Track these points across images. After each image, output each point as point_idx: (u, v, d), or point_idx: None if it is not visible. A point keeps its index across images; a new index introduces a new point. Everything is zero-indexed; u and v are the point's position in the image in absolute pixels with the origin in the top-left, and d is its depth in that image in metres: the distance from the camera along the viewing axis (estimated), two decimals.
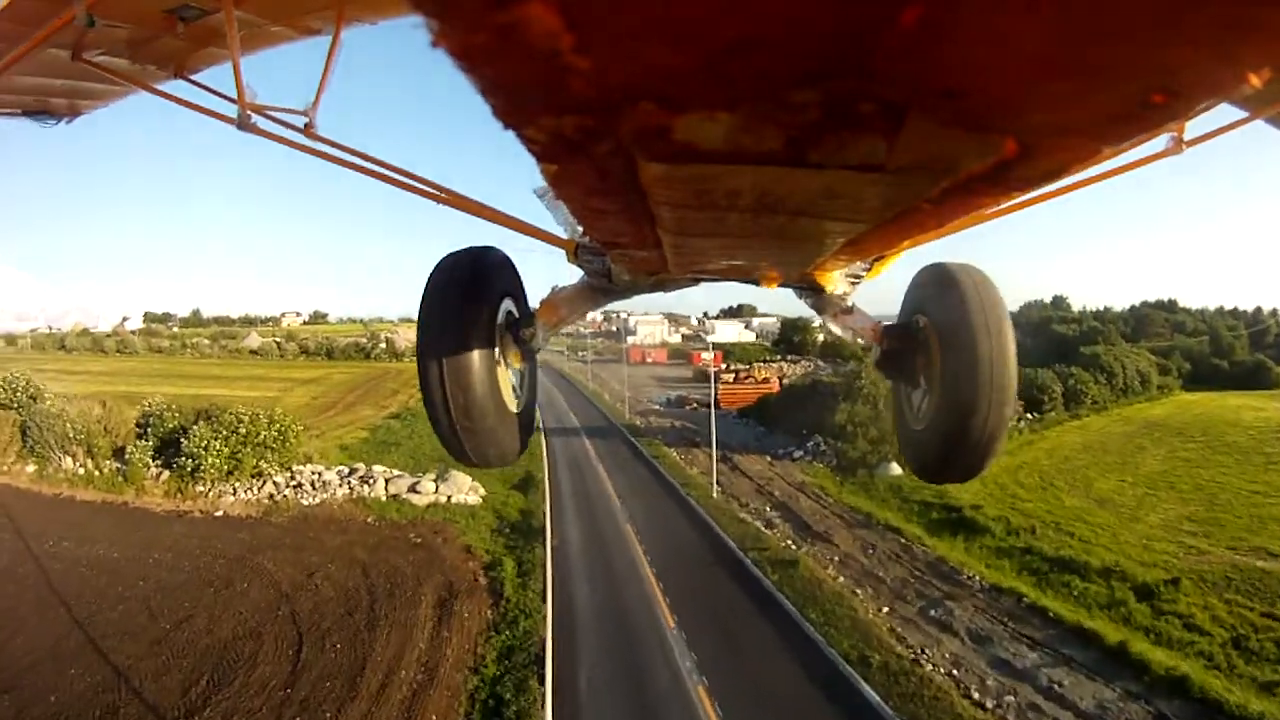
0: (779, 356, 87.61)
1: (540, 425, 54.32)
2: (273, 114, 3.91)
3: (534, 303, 3.31)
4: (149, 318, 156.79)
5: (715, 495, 37.86)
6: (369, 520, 34.74)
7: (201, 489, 37.24)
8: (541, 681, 19.39)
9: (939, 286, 3.08)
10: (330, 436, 48.32)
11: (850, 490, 38.82)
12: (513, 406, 3.12)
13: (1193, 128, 3.80)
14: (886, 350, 3.30)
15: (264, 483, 37.96)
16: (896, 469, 39.65)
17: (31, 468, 40.37)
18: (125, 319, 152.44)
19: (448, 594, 25.82)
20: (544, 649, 21.17)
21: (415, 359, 2.92)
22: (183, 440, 37.88)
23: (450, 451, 3.06)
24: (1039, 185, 0.98)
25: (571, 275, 3.27)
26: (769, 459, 45.84)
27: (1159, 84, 0.60)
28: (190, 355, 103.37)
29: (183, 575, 27.89)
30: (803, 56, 0.61)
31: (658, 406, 69.57)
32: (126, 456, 39.14)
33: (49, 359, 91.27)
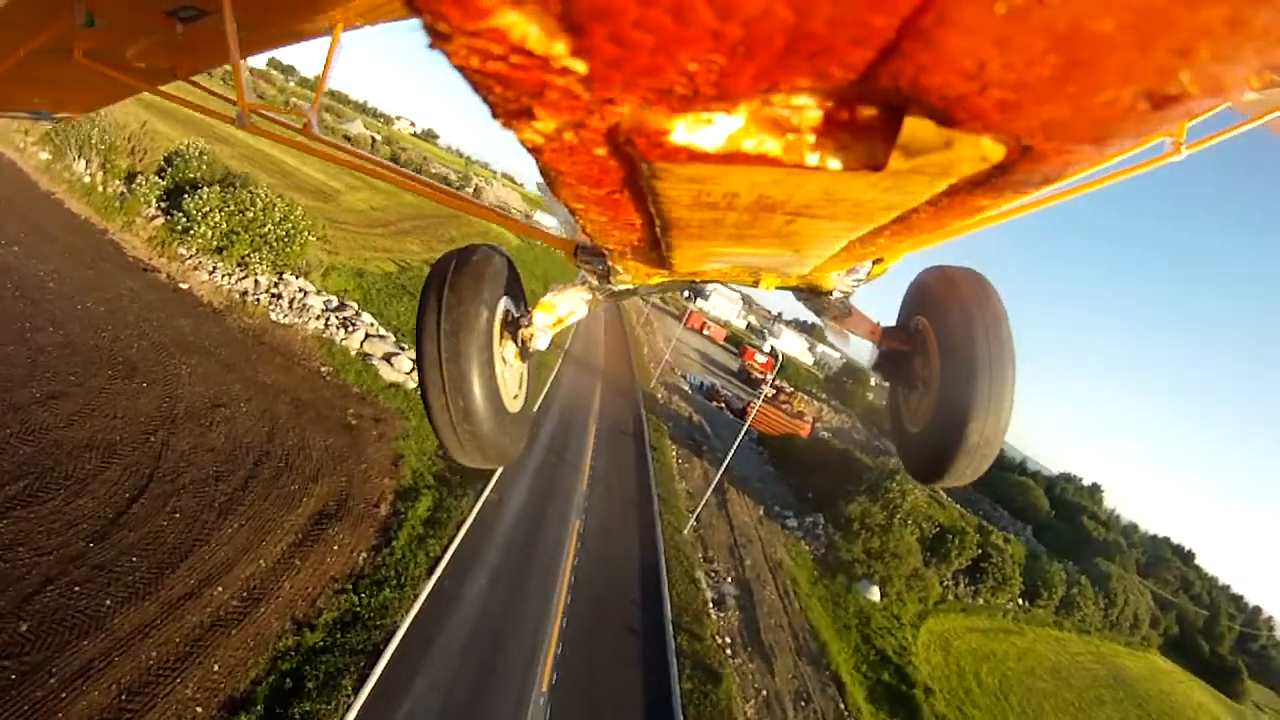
0: (824, 395, 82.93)
1: (566, 347, 52.81)
2: (273, 114, 3.92)
3: (533, 302, 3.31)
4: (271, 63, 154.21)
5: (686, 533, 33.47)
6: (322, 370, 30.05)
7: (184, 252, 32.67)
8: (355, 690, 15.13)
9: (938, 289, 3.08)
10: (356, 255, 44.25)
11: (820, 596, 35.25)
12: (512, 407, 3.12)
13: (1192, 131, 3.80)
14: (884, 352, 3.31)
15: (246, 275, 33.32)
16: (876, 594, 37.74)
17: (45, 155, 37.00)
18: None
19: (335, 508, 21.02)
20: (385, 645, 16.55)
21: (415, 362, 2.91)
22: (186, 196, 33.74)
23: (449, 452, 3.06)
24: (1039, 188, 0.98)
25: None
26: (761, 512, 41.81)
27: (1159, 85, 0.60)
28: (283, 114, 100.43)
29: (96, 341, 23.07)
30: (802, 56, 0.61)
31: (686, 387, 65.29)
32: (134, 186, 35.23)
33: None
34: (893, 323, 3.39)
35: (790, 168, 0.87)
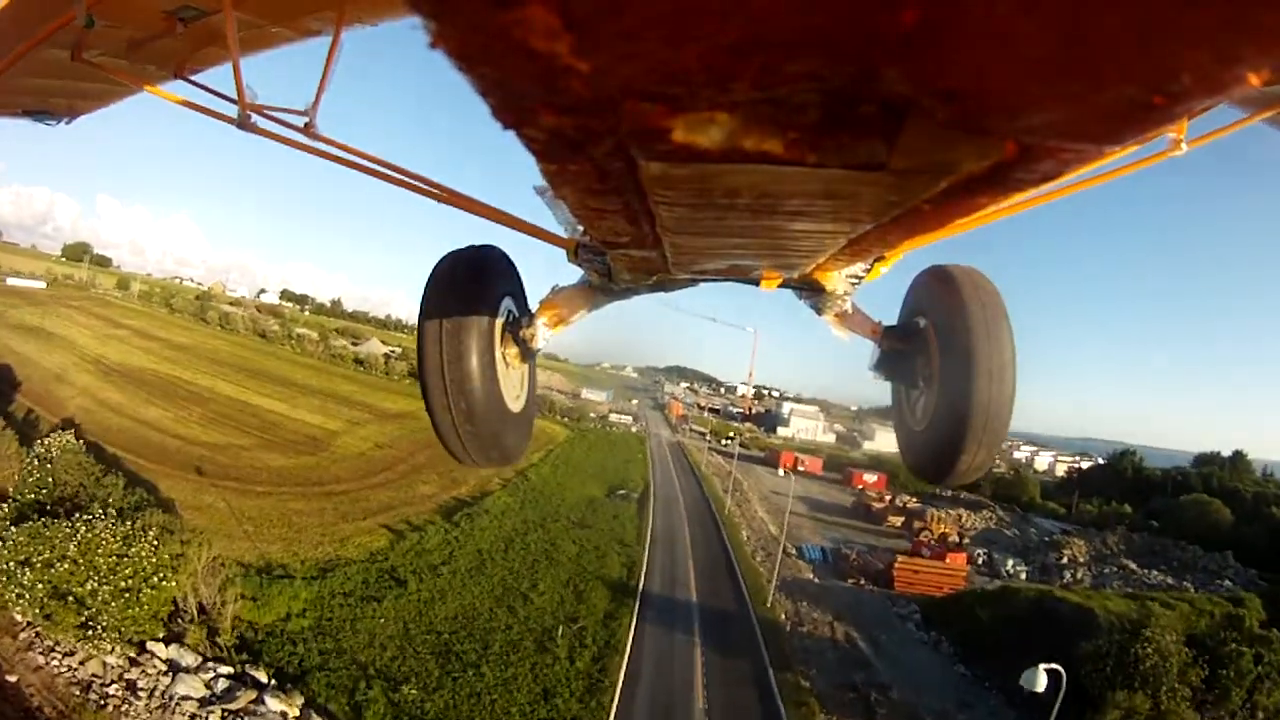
0: (949, 491, 62.79)
1: (640, 586, 35.76)
2: (273, 114, 3.92)
3: (534, 302, 3.31)
4: (285, 295, 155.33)
5: None
6: None
7: (19, 617, 21.40)
8: None
9: (939, 288, 3.08)
10: (330, 534, 36.61)
11: None
12: (514, 407, 3.12)
13: (1193, 128, 3.79)
14: (886, 351, 3.30)
15: (89, 655, 20.98)
16: None
17: None
18: (263, 292, 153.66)
19: None
20: None
21: (416, 361, 2.92)
22: (11, 530, 22.42)
23: (451, 452, 3.06)
24: (1039, 185, 0.98)
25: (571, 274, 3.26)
26: None
27: (1159, 84, 0.60)
28: (290, 348, 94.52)
29: None
30: (803, 56, 0.61)
31: (811, 574, 43.67)
32: None
33: (127, 312, 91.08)
34: (894, 321, 3.38)
35: (791, 167, 0.87)
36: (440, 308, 2.87)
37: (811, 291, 3.15)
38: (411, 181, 3.89)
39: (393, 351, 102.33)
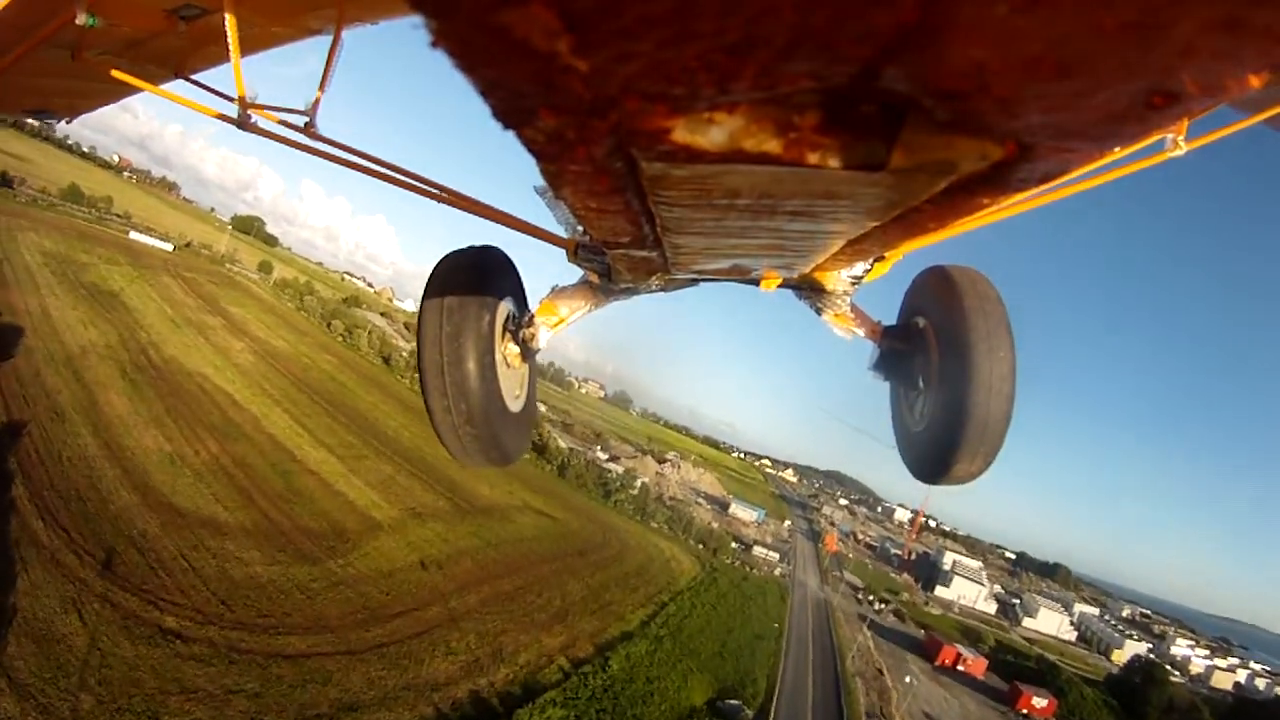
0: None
1: None
2: (273, 114, 3.92)
3: (534, 302, 3.31)
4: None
5: None
6: None
7: None
8: None
9: (938, 288, 3.08)
10: None
11: None
12: (514, 407, 3.12)
13: (1193, 128, 3.79)
14: (885, 351, 3.30)
15: None
16: None
17: None
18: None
19: None
20: None
21: (416, 358, 2.92)
22: None
23: (452, 453, 3.06)
24: (1039, 186, 0.98)
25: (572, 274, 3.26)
26: None
27: (1159, 85, 0.60)
28: (409, 382, 76.57)
29: None
30: (802, 56, 0.61)
31: None
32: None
33: (243, 298, 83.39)
34: (893, 322, 3.38)
35: (791, 167, 0.87)
36: (440, 308, 2.87)
37: (811, 291, 3.15)
38: (411, 181, 3.89)
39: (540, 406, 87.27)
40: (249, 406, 51.42)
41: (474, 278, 2.95)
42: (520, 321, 3.19)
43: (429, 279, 2.96)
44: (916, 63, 0.61)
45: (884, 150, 0.82)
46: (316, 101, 4.03)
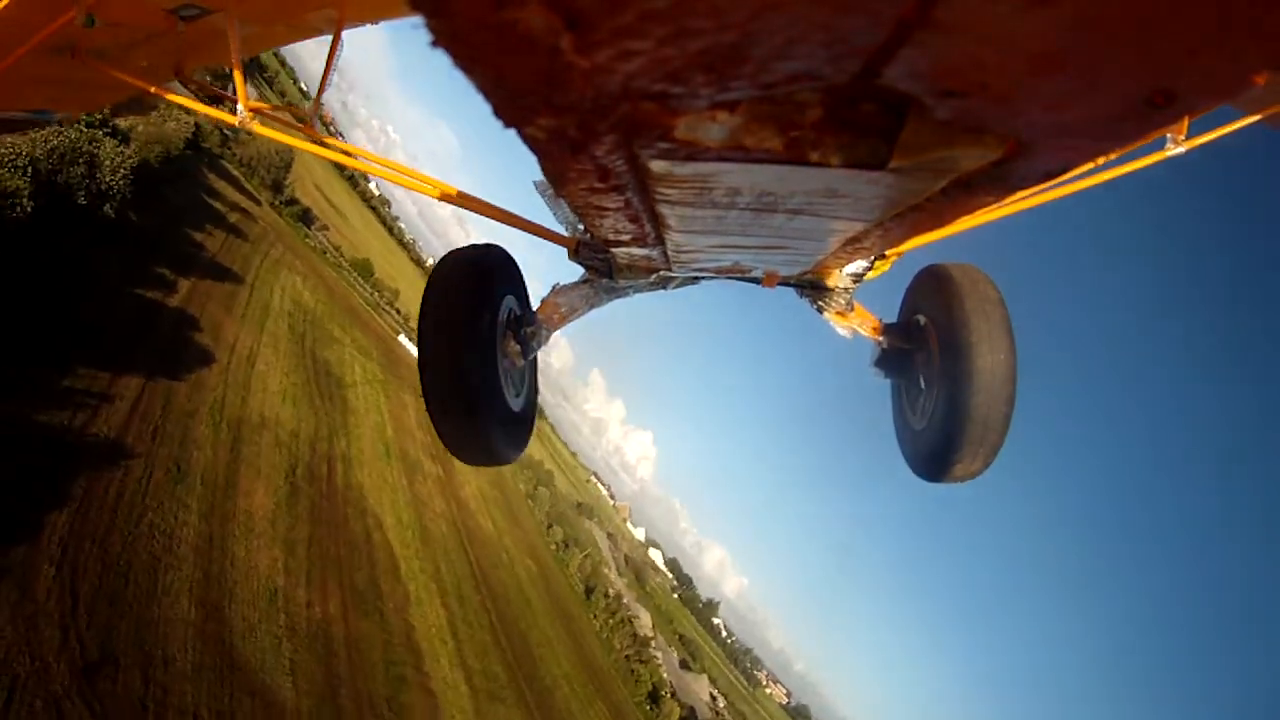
0: None
1: None
2: (273, 114, 3.92)
3: (536, 301, 3.31)
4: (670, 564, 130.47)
5: None
6: None
7: None
8: None
9: (938, 286, 3.08)
10: None
11: None
12: (514, 405, 3.12)
13: (1193, 128, 3.79)
14: (886, 349, 3.31)
15: None
16: None
17: None
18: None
19: None
20: None
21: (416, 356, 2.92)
22: None
23: (451, 450, 3.07)
24: (1039, 185, 0.98)
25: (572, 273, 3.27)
26: None
27: (1159, 84, 0.60)
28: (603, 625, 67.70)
29: None
30: (804, 54, 0.61)
31: None
32: None
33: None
34: (894, 319, 3.39)
35: (792, 165, 0.87)
36: (441, 307, 2.87)
37: (812, 289, 3.15)
38: (412, 180, 3.89)
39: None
40: (407, 582, 40.30)
41: (476, 276, 2.95)
42: (522, 319, 3.19)
43: (431, 276, 2.97)
44: (917, 60, 0.61)
45: (885, 148, 0.82)
46: (316, 101, 4.03)
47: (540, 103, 0.71)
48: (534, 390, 3.48)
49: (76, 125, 23.97)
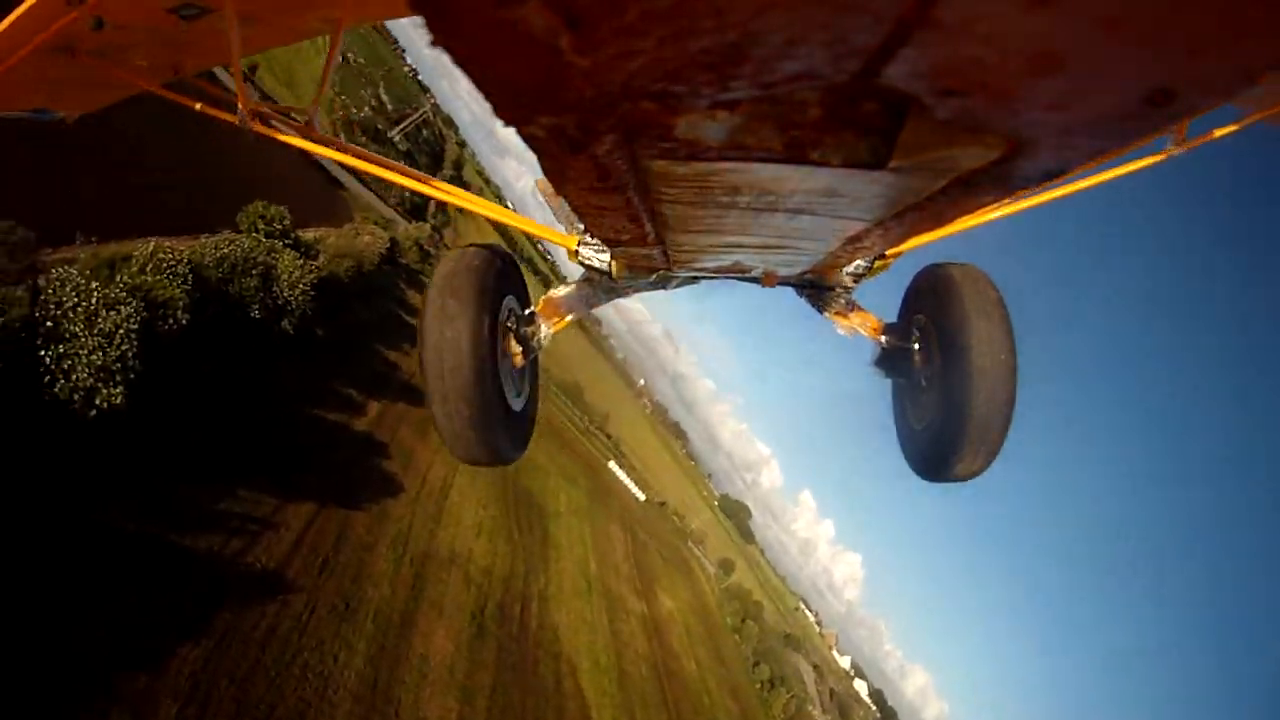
0: None
1: None
2: (273, 113, 3.92)
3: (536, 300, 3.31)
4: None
5: None
6: None
7: None
8: None
9: (938, 285, 3.08)
10: None
11: None
12: (516, 405, 3.12)
13: (1193, 128, 3.79)
14: (886, 349, 3.31)
15: None
16: None
17: None
18: None
19: None
20: None
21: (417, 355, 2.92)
22: None
23: (452, 450, 3.07)
24: (1039, 185, 0.98)
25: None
26: None
27: (1159, 84, 0.60)
28: None
29: None
30: (804, 54, 0.61)
31: None
32: None
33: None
34: (894, 319, 3.39)
35: (792, 164, 0.87)
36: (442, 307, 2.87)
37: (812, 289, 3.15)
38: (412, 180, 3.89)
39: None
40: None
41: (476, 275, 2.95)
42: (522, 319, 3.19)
43: (431, 278, 2.97)
44: (917, 60, 0.61)
45: (885, 148, 0.82)
46: (316, 101, 4.03)
47: (540, 102, 0.71)
48: (535, 390, 3.48)
49: (253, 235, 23.22)
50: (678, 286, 3.14)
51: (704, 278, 2.92)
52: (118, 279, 17.74)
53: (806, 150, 0.83)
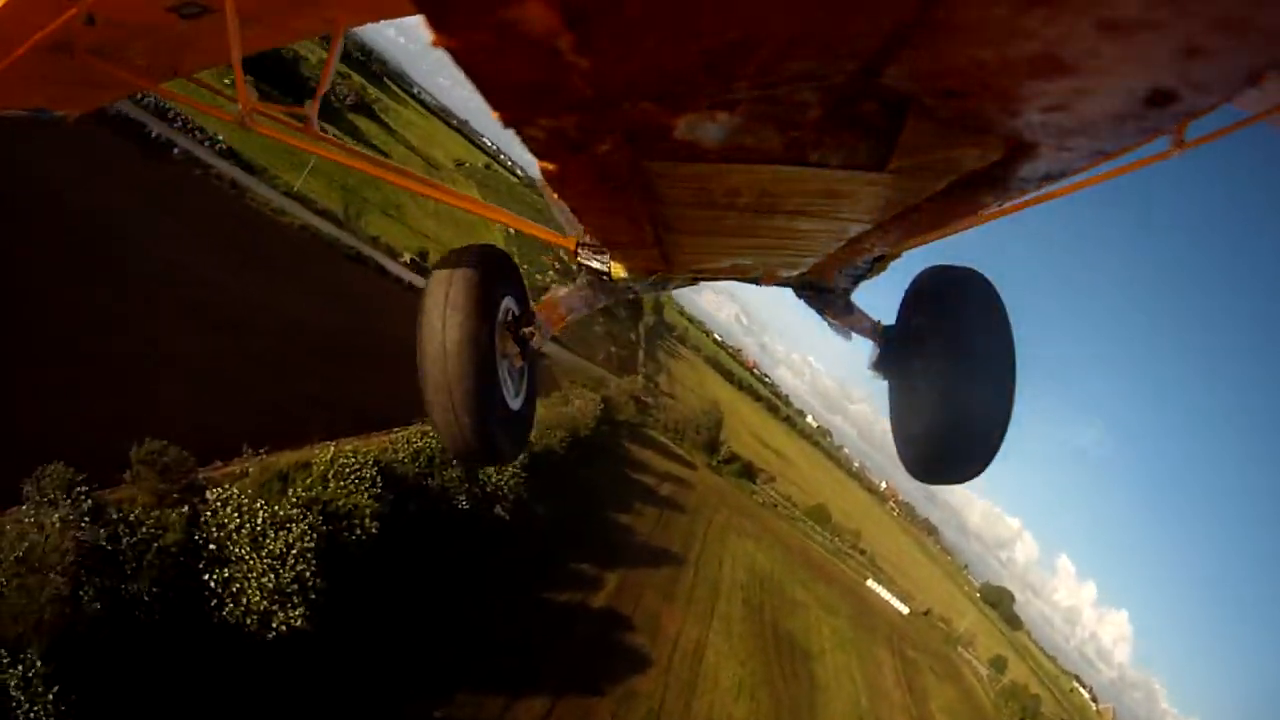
0: None
1: None
2: (273, 113, 3.91)
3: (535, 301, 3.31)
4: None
5: None
6: None
7: None
8: None
9: (938, 287, 3.08)
10: None
11: None
12: (514, 405, 3.13)
13: (1193, 128, 3.79)
14: (885, 350, 3.31)
15: None
16: None
17: None
18: None
19: None
20: None
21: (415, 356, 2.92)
22: None
23: (450, 450, 3.07)
24: (1039, 185, 0.98)
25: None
26: None
27: (1159, 84, 0.60)
28: None
29: None
30: (804, 55, 0.61)
31: None
32: None
33: None
34: (893, 321, 3.38)
35: (792, 165, 0.87)
36: (440, 308, 2.87)
37: (812, 290, 3.15)
38: (413, 181, 3.89)
39: None
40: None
41: (473, 277, 2.95)
42: (521, 320, 3.19)
43: (429, 279, 2.97)
44: (917, 61, 0.61)
45: (885, 149, 0.82)
46: (316, 100, 4.03)
47: (540, 103, 0.71)
48: (533, 390, 3.48)
49: None
50: (677, 287, 3.14)
51: (703, 278, 2.92)
52: (290, 493, 16.67)
53: (806, 151, 0.83)
